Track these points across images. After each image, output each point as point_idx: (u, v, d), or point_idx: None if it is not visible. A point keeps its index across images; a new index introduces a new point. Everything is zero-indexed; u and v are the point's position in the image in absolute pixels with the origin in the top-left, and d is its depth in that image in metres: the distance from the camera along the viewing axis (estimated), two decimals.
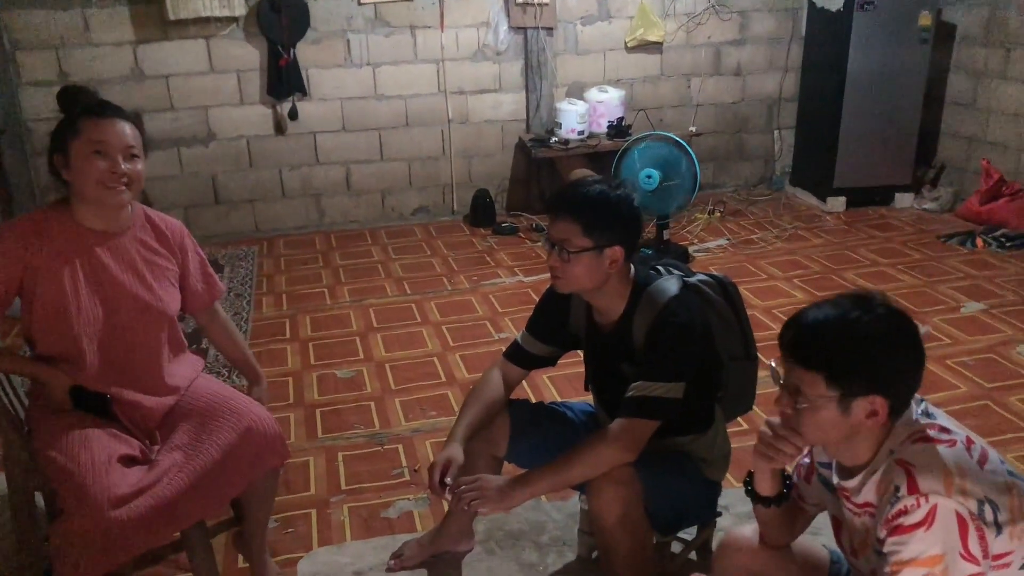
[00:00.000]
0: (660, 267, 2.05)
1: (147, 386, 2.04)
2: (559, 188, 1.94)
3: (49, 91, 4.71)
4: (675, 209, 4.50)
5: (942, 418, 1.39)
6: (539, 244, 4.96)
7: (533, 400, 2.98)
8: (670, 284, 1.89)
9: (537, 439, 2.08)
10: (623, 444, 1.81)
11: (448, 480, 1.87)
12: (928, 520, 1.25)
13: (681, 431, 1.95)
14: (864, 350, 1.32)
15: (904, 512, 1.27)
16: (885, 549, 1.30)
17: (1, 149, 4.68)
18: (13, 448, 2.04)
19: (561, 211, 1.84)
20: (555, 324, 2.08)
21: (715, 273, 2.07)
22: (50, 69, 4.73)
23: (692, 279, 2.00)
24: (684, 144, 4.38)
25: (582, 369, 2.13)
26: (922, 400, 1.42)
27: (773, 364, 1.46)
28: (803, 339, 1.37)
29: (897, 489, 1.30)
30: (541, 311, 2.10)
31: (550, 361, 2.14)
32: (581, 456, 1.83)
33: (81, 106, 1.93)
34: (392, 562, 2.32)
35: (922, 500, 1.26)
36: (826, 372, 1.33)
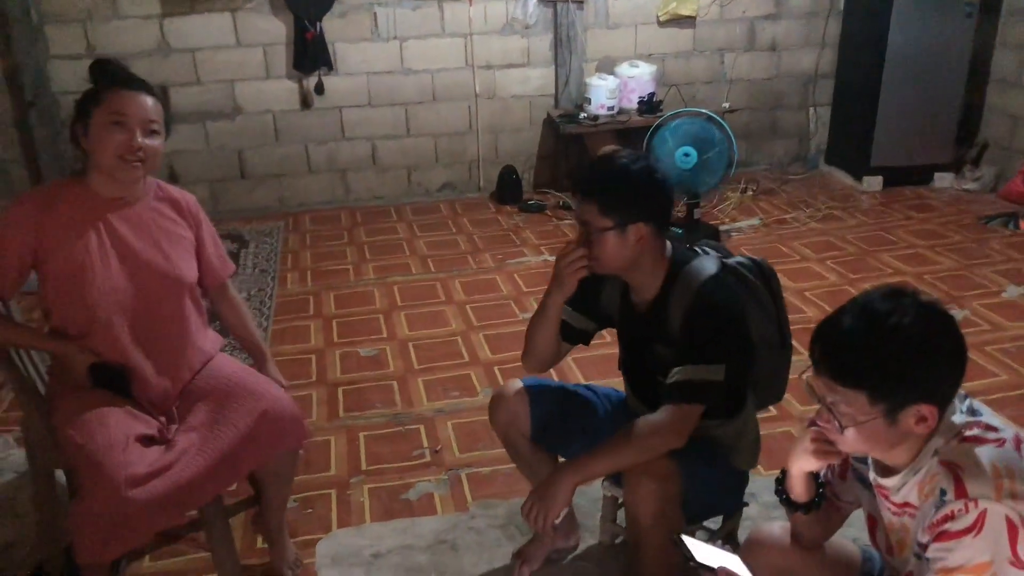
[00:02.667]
0: (697, 248, 1.98)
1: (173, 357, 2.02)
2: (585, 167, 1.88)
3: (77, 64, 4.70)
4: (711, 187, 4.39)
5: (988, 415, 1.31)
6: (567, 222, 4.89)
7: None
8: (708, 264, 1.83)
9: (558, 419, 2.03)
10: (673, 431, 1.76)
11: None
12: (977, 526, 1.18)
13: (712, 414, 1.89)
14: (906, 361, 1.22)
15: (951, 517, 1.20)
16: (929, 555, 1.23)
17: (31, 122, 4.69)
18: (34, 426, 2.04)
19: (581, 191, 1.80)
20: (589, 299, 2.01)
21: (753, 256, 2.00)
22: (78, 43, 4.72)
23: (730, 260, 1.93)
24: (720, 120, 4.26)
25: (611, 351, 2.07)
26: (966, 396, 1.34)
27: (806, 379, 1.36)
28: (837, 355, 1.27)
29: (943, 493, 1.22)
30: (579, 285, 2.02)
31: (585, 337, 2.05)
32: (630, 442, 1.77)
33: (108, 77, 1.90)
34: (522, 568, 2.21)
35: (970, 505, 1.19)
36: (868, 390, 1.24)
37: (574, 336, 2.04)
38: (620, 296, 1.97)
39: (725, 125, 4.22)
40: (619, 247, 1.77)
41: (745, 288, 1.91)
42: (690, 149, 4.23)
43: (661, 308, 1.84)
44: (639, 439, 1.77)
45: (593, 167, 1.82)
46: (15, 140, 4.79)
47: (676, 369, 1.78)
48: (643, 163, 1.79)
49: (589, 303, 2.02)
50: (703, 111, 4.35)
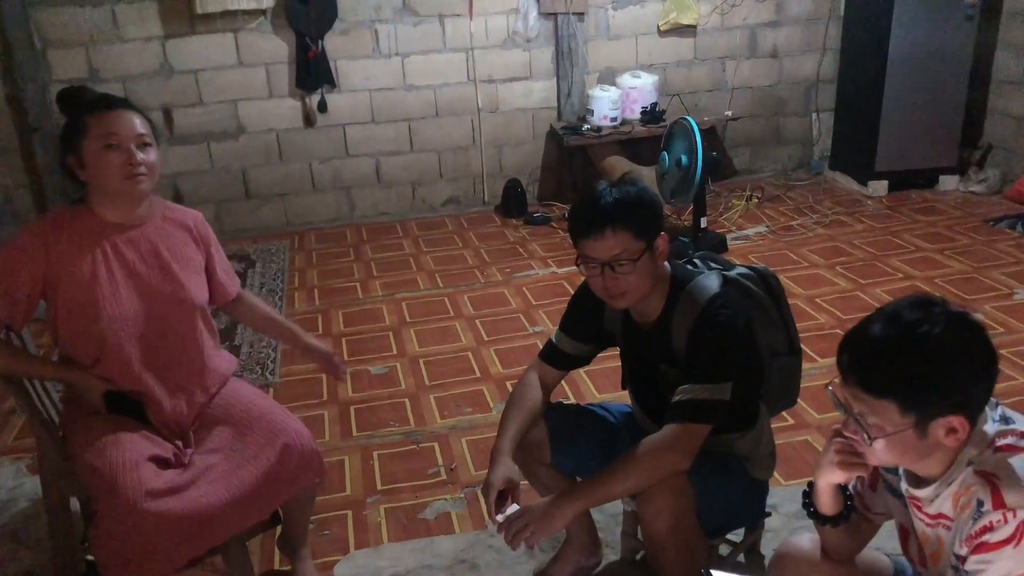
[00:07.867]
0: (697, 260, 1.97)
1: (187, 379, 2.01)
2: (579, 209, 1.80)
3: None
4: (692, 195, 4.36)
5: (1021, 422, 1.30)
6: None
7: (571, 399, 2.93)
8: (710, 281, 1.81)
9: (578, 443, 2.01)
10: (678, 451, 1.73)
11: (499, 519, 1.78)
12: (1017, 536, 1.16)
13: (725, 429, 1.87)
14: (938, 370, 1.20)
15: (990, 528, 1.18)
16: (968, 567, 1.21)
17: (34, 148, 4.70)
18: (47, 453, 2.02)
19: (606, 225, 1.71)
20: (590, 322, 2.00)
21: (755, 265, 1.99)
22: (80, 67, 4.73)
23: (731, 273, 1.91)
24: (691, 122, 4.18)
25: (619, 364, 2.06)
26: (997, 404, 1.32)
27: (831, 389, 1.34)
28: (867, 364, 1.24)
29: (981, 504, 1.20)
30: (575, 310, 2.02)
31: (586, 360, 2.06)
32: (633, 466, 1.74)
33: (85, 104, 1.89)
34: None
35: (1009, 515, 1.17)
36: (899, 399, 1.22)
37: (570, 362, 2.04)
38: (622, 315, 1.94)
39: (695, 128, 4.13)
40: (650, 268, 1.76)
41: (749, 300, 1.89)
42: (664, 154, 4.24)
43: (664, 327, 1.83)
44: (644, 462, 1.74)
45: (606, 200, 1.73)
46: (19, 166, 4.80)
47: (680, 388, 1.75)
48: (637, 184, 1.79)
49: (590, 328, 2.00)
50: (685, 119, 4.28)
